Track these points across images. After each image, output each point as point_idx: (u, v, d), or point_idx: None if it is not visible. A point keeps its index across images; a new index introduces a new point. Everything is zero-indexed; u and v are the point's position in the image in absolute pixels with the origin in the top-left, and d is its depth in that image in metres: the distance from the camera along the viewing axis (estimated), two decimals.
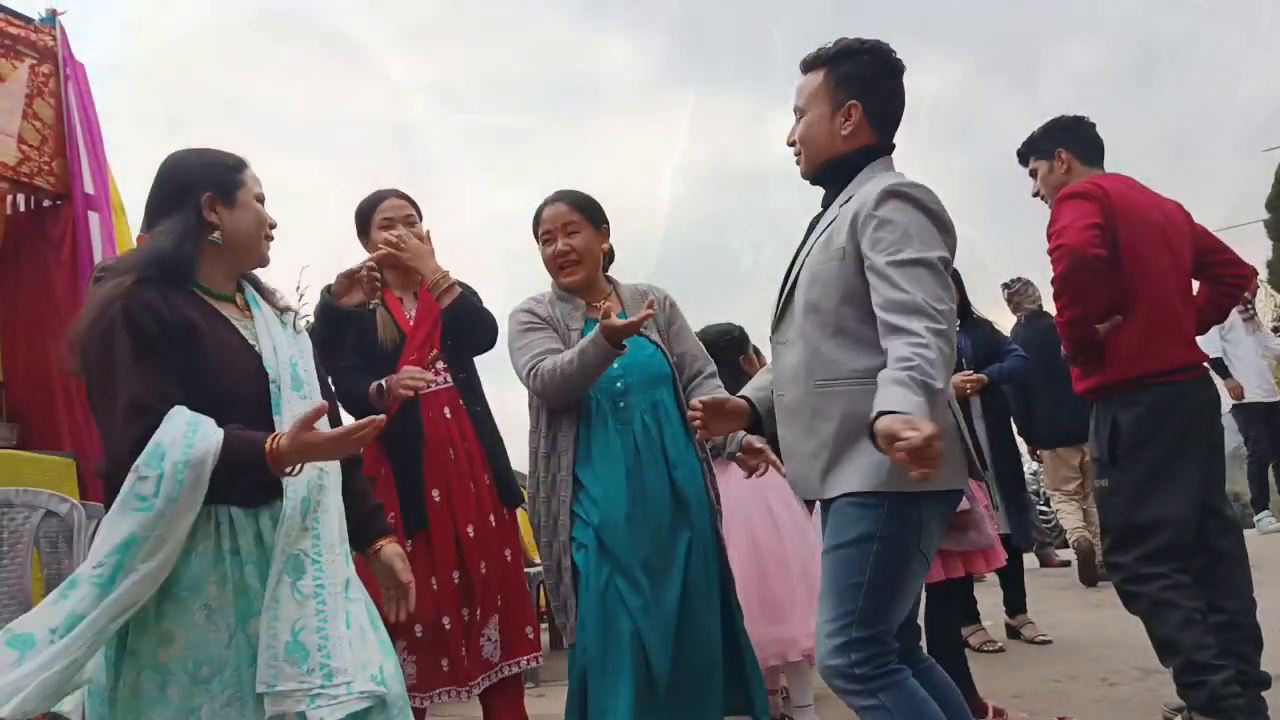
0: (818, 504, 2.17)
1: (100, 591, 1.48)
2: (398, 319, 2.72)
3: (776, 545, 3.00)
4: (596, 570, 2.24)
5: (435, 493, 2.61)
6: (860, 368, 1.80)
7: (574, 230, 2.43)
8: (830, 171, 1.99)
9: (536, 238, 2.49)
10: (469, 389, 2.74)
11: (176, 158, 1.80)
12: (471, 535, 2.62)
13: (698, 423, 2.06)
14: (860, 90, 1.92)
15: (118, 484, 1.52)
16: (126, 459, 1.51)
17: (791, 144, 2.04)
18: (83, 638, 1.47)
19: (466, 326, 2.67)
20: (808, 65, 2.00)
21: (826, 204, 2.02)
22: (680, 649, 2.25)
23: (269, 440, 1.56)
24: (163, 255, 1.68)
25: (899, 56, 1.95)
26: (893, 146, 1.99)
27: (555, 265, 2.43)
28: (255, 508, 1.63)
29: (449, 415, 2.68)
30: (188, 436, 1.52)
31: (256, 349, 1.75)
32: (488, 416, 2.77)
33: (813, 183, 2.05)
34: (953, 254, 1.82)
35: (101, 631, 1.49)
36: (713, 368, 2.55)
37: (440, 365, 2.71)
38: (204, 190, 1.74)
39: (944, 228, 1.81)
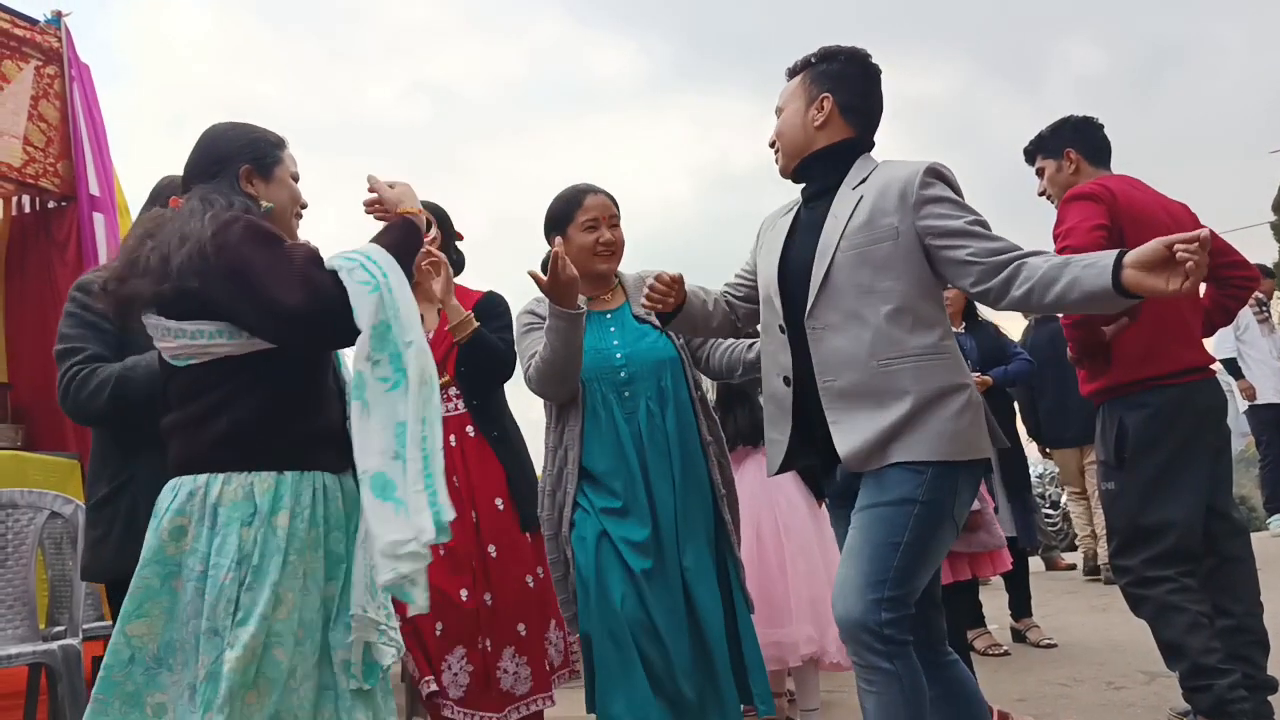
0: (827, 499, 2.17)
1: (400, 390, 1.55)
2: (449, 311, 2.63)
3: (781, 549, 2.99)
4: (595, 558, 2.26)
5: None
6: (923, 344, 1.86)
7: (615, 223, 2.48)
8: (808, 165, 2.05)
9: (567, 222, 2.45)
10: (484, 415, 2.67)
11: (218, 128, 1.81)
12: (473, 566, 2.56)
13: (671, 299, 2.10)
14: (833, 85, 2.01)
15: (324, 315, 1.56)
16: (335, 294, 1.56)
17: (772, 144, 2.12)
18: (417, 430, 1.54)
19: (478, 364, 2.62)
20: (790, 73, 2.10)
21: (812, 197, 2.06)
22: (685, 638, 2.26)
23: (395, 218, 1.74)
24: (248, 209, 1.71)
25: (875, 62, 2.04)
26: (873, 144, 2.07)
27: (594, 252, 2.43)
28: (340, 473, 1.70)
29: (454, 443, 2.62)
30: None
31: None
32: (508, 439, 2.69)
33: (793, 179, 2.11)
34: None
35: (426, 417, 1.56)
36: None
37: (453, 391, 2.66)
38: (242, 162, 1.76)
39: None
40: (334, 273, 1.59)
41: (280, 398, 1.66)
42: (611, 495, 2.31)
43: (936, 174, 1.90)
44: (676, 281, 2.12)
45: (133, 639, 1.56)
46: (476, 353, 2.59)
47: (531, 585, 2.60)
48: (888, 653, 1.76)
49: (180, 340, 1.63)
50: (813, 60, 2.05)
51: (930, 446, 1.82)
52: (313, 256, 1.61)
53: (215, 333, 1.62)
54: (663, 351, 2.43)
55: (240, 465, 1.61)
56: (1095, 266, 1.66)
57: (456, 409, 2.65)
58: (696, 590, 2.29)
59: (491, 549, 2.58)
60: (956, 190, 1.92)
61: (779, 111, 2.10)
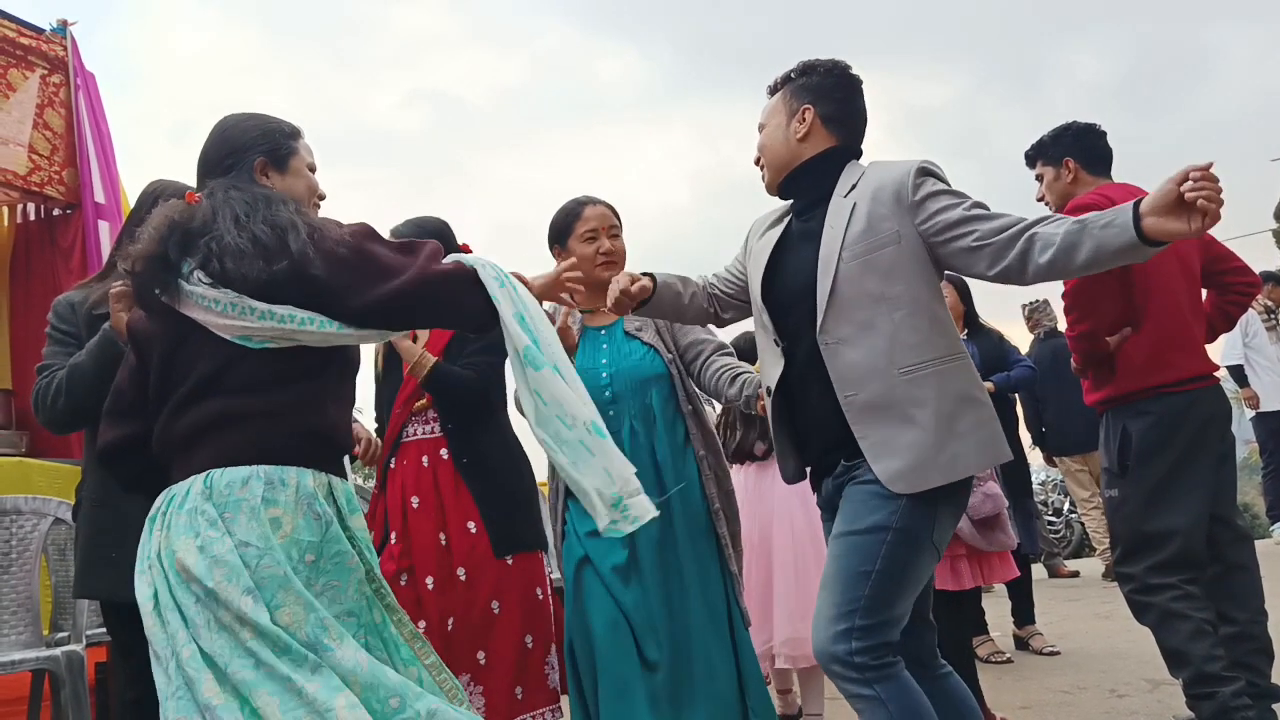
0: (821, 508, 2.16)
1: (553, 372, 1.67)
2: (402, 353, 2.54)
3: (817, 546, 2.96)
4: (575, 582, 2.29)
5: (393, 535, 2.49)
6: (941, 348, 1.85)
7: (616, 234, 2.48)
8: (795, 178, 2.03)
9: (568, 234, 2.46)
10: (460, 438, 2.53)
11: (231, 119, 1.77)
12: (430, 587, 2.43)
13: (620, 303, 2.07)
14: (813, 97, 2.01)
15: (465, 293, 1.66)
16: (471, 273, 1.67)
17: (757, 161, 2.11)
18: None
19: (443, 398, 2.52)
20: (770, 90, 2.10)
21: (804, 209, 2.04)
22: (679, 655, 2.25)
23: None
24: (283, 201, 1.69)
25: (855, 73, 2.04)
26: (860, 152, 2.05)
27: (597, 262, 2.42)
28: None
29: (425, 464, 2.52)
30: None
31: None
32: (483, 463, 2.52)
33: (780, 195, 2.09)
34: None
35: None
36: (727, 347, 2.51)
37: (431, 414, 2.54)
38: (257, 154, 1.72)
39: None
40: (456, 270, 1.66)
41: (341, 405, 1.69)
42: (579, 517, 2.32)
43: (926, 172, 1.89)
44: (645, 290, 2.09)
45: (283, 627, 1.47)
46: (436, 389, 2.49)
47: (497, 611, 2.43)
48: (864, 679, 1.73)
49: (267, 322, 1.57)
50: (792, 75, 2.05)
51: (968, 461, 1.81)
52: (435, 251, 1.67)
53: (307, 319, 1.58)
54: (650, 368, 2.41)
55: (322, 465, 1.61)
56: (1114, 225, 1.63)
57: (433, 431, 2.54)
58: (693, 606, 2.29)
59: (461, 572, 2.45)
60: (946, 182, 1.90)
61: (761, 128, 2.09)
